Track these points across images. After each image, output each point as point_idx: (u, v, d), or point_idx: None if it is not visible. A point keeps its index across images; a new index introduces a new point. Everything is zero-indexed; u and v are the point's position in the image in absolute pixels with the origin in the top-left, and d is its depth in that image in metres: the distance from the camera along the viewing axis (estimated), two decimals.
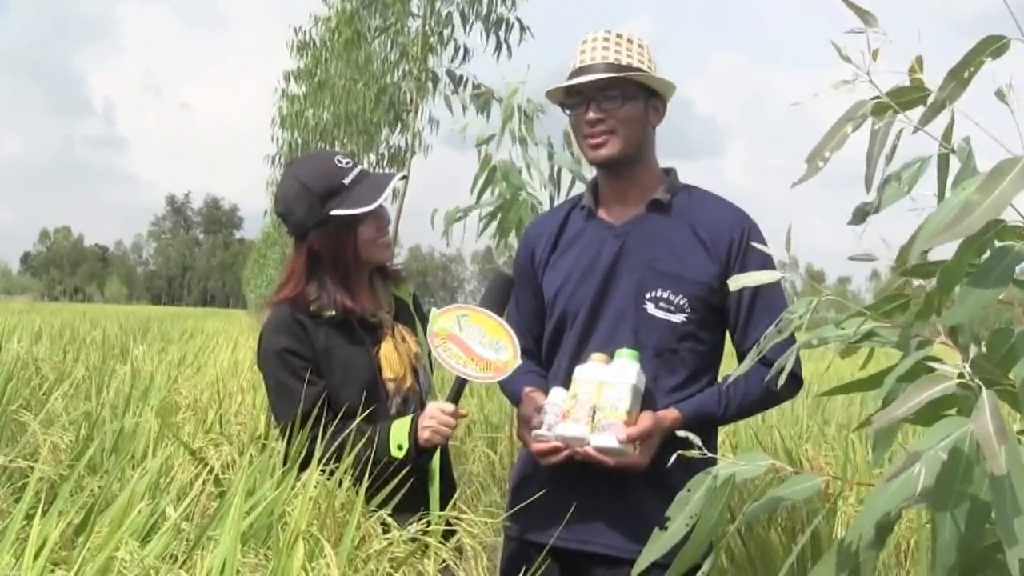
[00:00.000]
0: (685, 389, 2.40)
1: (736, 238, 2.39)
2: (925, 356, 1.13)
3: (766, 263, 2.36)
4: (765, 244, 2.39)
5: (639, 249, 2.42)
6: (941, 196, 1.22)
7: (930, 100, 1.18)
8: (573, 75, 2.42)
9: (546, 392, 2.42)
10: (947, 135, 1.21)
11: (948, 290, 1.11)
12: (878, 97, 1.21)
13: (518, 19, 7.29)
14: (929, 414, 1.11)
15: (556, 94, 2.50)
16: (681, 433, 1.51)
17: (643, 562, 1.41)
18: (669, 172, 2.54)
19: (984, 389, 1.01)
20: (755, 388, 2.36)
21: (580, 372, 2.35)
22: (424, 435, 2.37)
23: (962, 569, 1.05)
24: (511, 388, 2.55)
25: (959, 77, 1.14)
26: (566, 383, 2.39)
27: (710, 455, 1.44)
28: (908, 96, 1.19)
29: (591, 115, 2.39)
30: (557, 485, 2.41)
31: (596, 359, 2.35)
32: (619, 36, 2.41)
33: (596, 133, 2.39)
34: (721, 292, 2.34)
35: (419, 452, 2.38)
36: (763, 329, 1.56)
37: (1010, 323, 1.16)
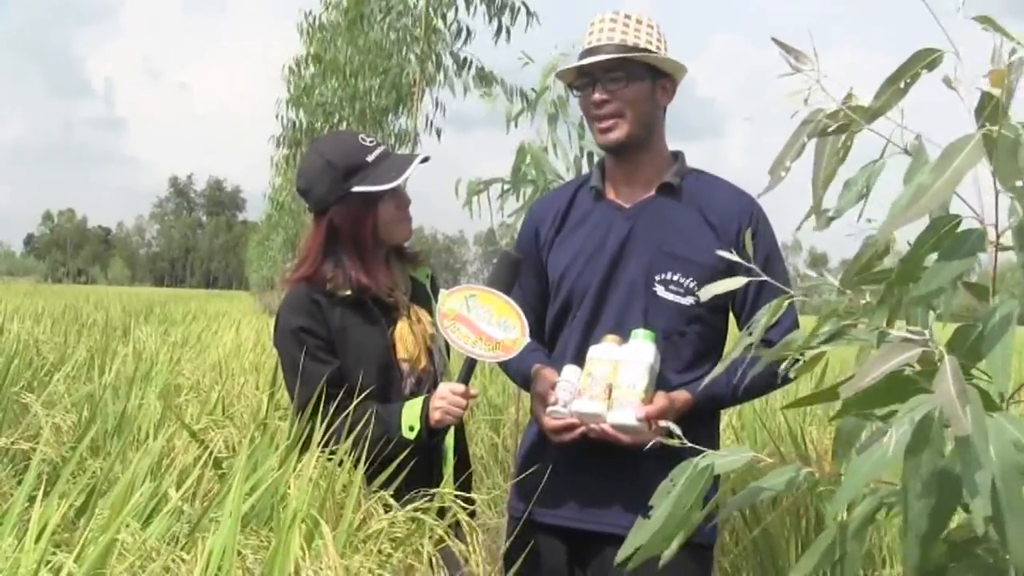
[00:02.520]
0: (691, 371, 2.40)
1: (744, 224, 2.39)
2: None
3: (771, 250, 2.38)
4: (771, 229, 2.40)
5: (649, 231, 2.42)
6: (864, 201, 1.28)
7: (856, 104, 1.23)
8: (581, 57, 2.41)
9: (556, 370, 2.42)
10: (888, 142, 1.25)
11: (907, 281, 1.13)
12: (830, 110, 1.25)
13: (524, 3, 7.24)
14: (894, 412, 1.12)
15: (566, 75, 2.49)
16: (663, 423, 1.53)
17: (627, 548, 1.42)
18: (677, 156, 2.53)
19: (946, 355, 1.02)
20: (762, 373, 2.35)
21: (595, 351, 2.35)
22: (435, 416, 2.38)
23: (934, 554, 1.06)
24: (515, 367, 2.54)
25: (895, 87, 1.18)
26: (576, 362, 2.39)
27: (692, 445, 1.44)
28: (857, 114, 1.23)
29: (597, 96, 2.38)
30: (567, 465, 2.41)
31: (609, 339, 2.35)
32: (627, 16, 2.40)
33: (604, 116, 2.39)
34: (729, 276, 2.33)
35: (431, 433, 2.39)
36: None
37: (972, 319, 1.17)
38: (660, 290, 2.38)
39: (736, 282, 1.52)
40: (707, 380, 2.39)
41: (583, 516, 2.40)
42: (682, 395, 2.34)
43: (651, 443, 2.05)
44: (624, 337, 2.35)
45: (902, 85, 1.17)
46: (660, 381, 2.34)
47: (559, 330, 2.53)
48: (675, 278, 2.37)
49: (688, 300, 2.38)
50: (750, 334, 1.48)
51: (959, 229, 1.11)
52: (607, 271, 2.43)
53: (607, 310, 2.43)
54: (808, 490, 3.14)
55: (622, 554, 1.43)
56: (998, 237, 1.12)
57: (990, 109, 1.08)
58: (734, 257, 1.58)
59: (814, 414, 5.07)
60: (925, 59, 1.15)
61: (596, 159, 3.74)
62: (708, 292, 1.54)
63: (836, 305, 1.30)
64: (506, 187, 3.76)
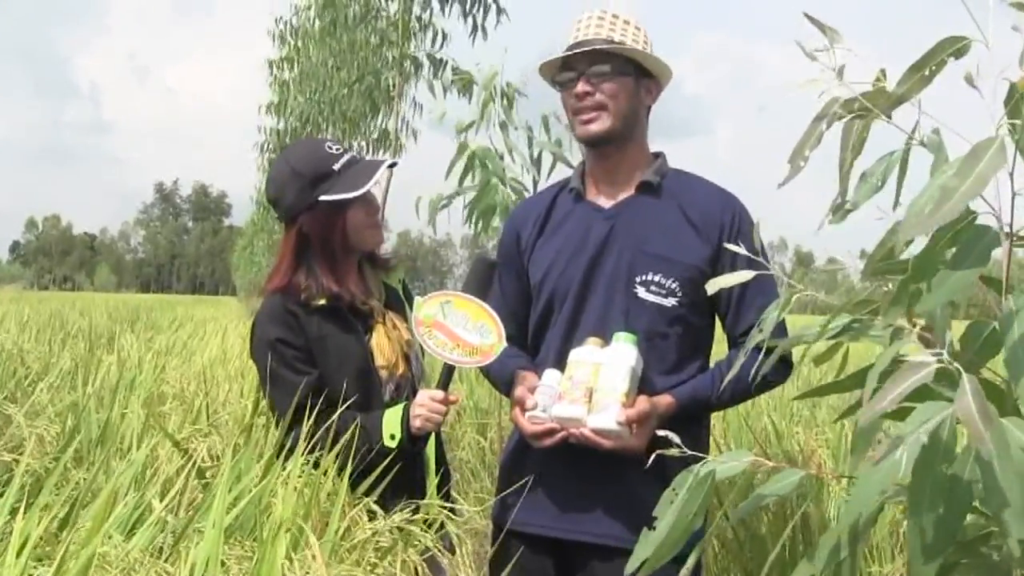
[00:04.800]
0: (675, 373, 2.38)
1: (727, 221, 2.37)
2: (902, 352, 1.12)
3: (754, 248, 2.37)
4: (754, 227, 2.38)
5: (629, 231, 2.40)
6: (899, 189, 1.25)
7: (884, 88, 1.20)
8: (567, 51, 2.40)
9: (538, 375, 2.40)
10: (914, 130, 1.23)
11: (922, 279, 1.11)
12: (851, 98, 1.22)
13: (495, 1, 7.27)
14: (906, 408, 1.11)
15: (548, 69, 2.47)
16: (661, 432, 1.52)
17: (635, 561, 1.41)
18: (658, 156, 2.51)
19: (964, 372, 1.01)
20: (747, 374, 2.33)
21: (576, 354, 2.33)
22: (416, 423, 2.37)
23: (942, 557, 1.05)
24: (498, 372, 2.53)
25: (920, 73, 1.16)
26: (557, 366, 2.37)
27: (691, 451, 1.43)
28: (879, 99, 1.20)
29: (580, 88, 2.37)
30: (550, 473, 2.39)
31: (591, 342, 2.33)
32: (615, 16, 2.40)
33: (586, 108, 2.37)
34: (712, 276, 2.31)
35: (412, 440, 2.38)
36: (755, 314, 1.56)
37: (984, 316, 1.16)
38: (641, 291, 2.36)
39: (744, 275, 1.51)
40: (693, 380, 2.39)
41: (567, 525, 2.37)
42: (665, 399, 2.31)
43: (652, 457, 2.04)
44: (606, 339, 2.33)
45: (927, 72, 1.16)
46: (645, 384, 2.32)
47: (542, 333, 2.51)
48: (656, 279, 2.35)
49: (670, 301, 2.35)
50: (760, 331, 1.47)
51: (975, 224, 1.10)
52: (587, 272, 2.41)
53: (588, 312, 2.41)
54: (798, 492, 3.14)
55: (630, 567, 1.42)
56: (1012, 234, 1.12)
57: (1015, 103, 1.07)
58: (741, 250, 1.57)
59: (800, 415, 5.07)
60: (952, 47, 1.13)
61: (549, 160, 3.76)
62: (715, 285, 1.53)
63: (852, 298, 1.29)
64: (469, 197, 3.76)
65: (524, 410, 2.34)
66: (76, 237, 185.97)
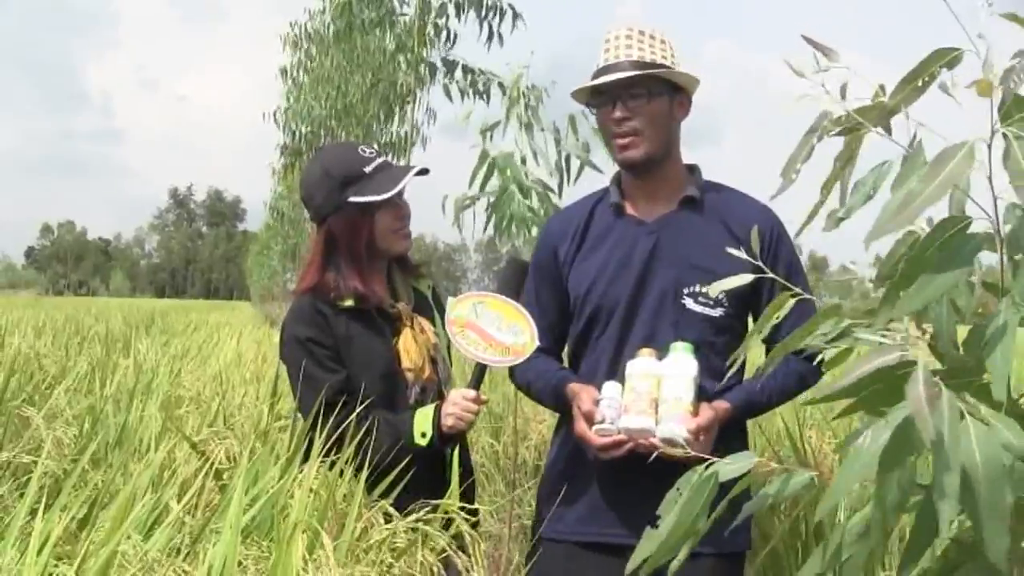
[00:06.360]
0: (722, 380, 2.40)
1: (767, 237, 2.42)
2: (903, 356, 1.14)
3: (792, 261, 2.42)
4: (791, 242, 2.43)
5: (674, 245, 2.43)
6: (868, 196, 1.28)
7: (883, 103, 1.22)
8: (597, 74, 2.42)
9: (586, 387, 2.42)
10: (912, 142, 1.24)
11: (911, 281, 1.13)
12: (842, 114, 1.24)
13: (511, 6, 7.30)
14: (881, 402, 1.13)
15: (582, 94, 2.50)
16: (665, 433, 1.53)
17: (636, 559, 1.43)
18: (693, 169, 2.55)
19: (921, 360, 1.04)
20: (792, 378, 2.41)
21: (634, 366, 2.35)
22: (448, 422, 2.41)
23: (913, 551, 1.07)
24: (542, 384, 2.55)
25: (911, 85, 1.18)
26: (609, 378, 2.39)
27: (706, 456, 1.45)
28: (873, 114, 1.22)
29: (617, 114, 2.39)
30: (602, 481, 2.43)
31: (646, 353, 2.35)
32: (642, 33, 2.42)
33: (623, 133, 2.40)
34: (755, 286, 2.32)
35: (443, 439, 2.41)
36: (792, 322, 1.60)
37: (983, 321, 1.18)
38: (689, 303, 2.40)
39: (743, 279, 1.54)
40: (743, 386, 2.41)
41: (619, 530, 2.38)
42: (722, 405, 2.35)
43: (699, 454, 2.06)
44: (657, 350, 2.36)
45: (919, 84, 1.17)
46: (699, 391, 2.34)
47: (583, 347, 2.54)
48: (704, 290, 2.39)
49: (717, 311, 2.41)
50: (760, 331, 1.49)
51: (961, 230, 1.11)
52: (635, 286, 2.44)
53: (637, 325, 2.44)
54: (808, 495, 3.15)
55: (631, 565, 1.44)
56: (1002, 241, 1.13)
57: (1008, 108, 1.08)
58: (739, 254, 1.59)
59: (814, 418, 5.07)
60: (944, 58, 1.14)
61: (575, 164, 3.76)
62: (717, 288, 1.56)
63: (837, 304, 1.31)
64: (487, 201, 3.77)
65: (591, 423, 2.35)
66: (90, 242, 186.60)
